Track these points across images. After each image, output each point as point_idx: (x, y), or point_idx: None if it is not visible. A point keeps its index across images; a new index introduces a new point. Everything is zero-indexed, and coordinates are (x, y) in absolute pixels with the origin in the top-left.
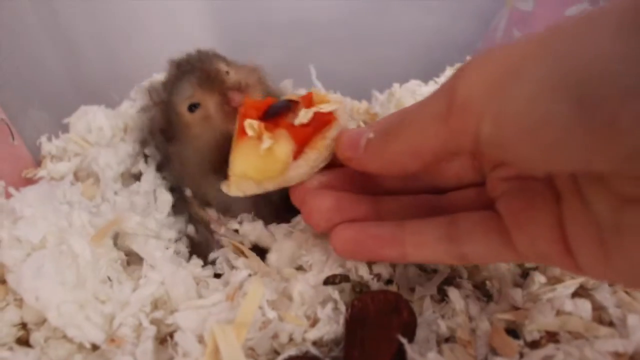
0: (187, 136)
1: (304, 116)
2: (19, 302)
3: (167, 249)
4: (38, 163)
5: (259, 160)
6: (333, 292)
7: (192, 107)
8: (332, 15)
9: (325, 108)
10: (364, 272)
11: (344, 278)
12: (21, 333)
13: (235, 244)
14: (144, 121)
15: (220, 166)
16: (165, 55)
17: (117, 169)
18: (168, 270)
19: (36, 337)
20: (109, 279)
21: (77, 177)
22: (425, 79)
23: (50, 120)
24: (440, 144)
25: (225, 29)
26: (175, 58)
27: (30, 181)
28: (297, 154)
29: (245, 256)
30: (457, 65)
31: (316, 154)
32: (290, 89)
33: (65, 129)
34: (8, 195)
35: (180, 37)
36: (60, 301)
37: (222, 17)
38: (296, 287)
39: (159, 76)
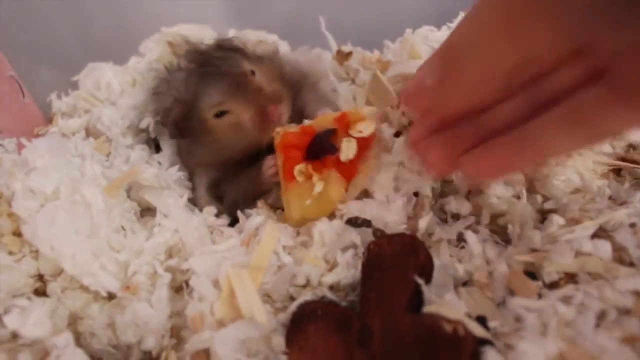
0: (208, 138)
1: (349, 151)
2: (35, 254)
3: (181, 197)
4: (49, 120)
5: (314, 204)
6: (356, 237)
7: (219, 114)
8: None
9: (365, 131)
10: (389, 218)
11: (366, 222)
12: (38, 284)
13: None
14: (156, 107)
15: (239, 169)
16: (172, 10)
17: (122, 124)
18: (182, 218)
19: (53, 287)
20: (123, 228)
21: (88, 133)
22: (438, 24)
23: (59, 77)
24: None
25: None
26: (192, 48)
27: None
28: (348, 185)
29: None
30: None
31: (364, 177)
32: (305, 57)
33: (75, 86)
34: (21, 152)
35: None
36: (75, 250)
37: None
38: (318, 227)
39: (169, 32)
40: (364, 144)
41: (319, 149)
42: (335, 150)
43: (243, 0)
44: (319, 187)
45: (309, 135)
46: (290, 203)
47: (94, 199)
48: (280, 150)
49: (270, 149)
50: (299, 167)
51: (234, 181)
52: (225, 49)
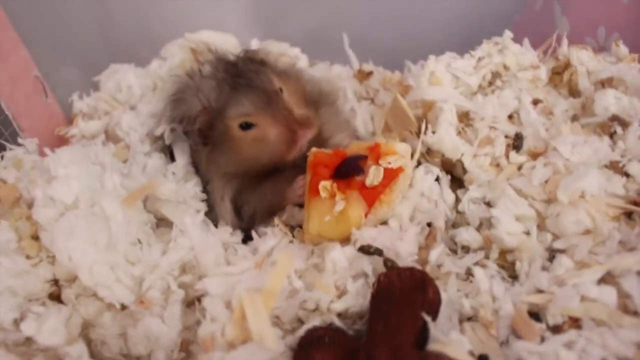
0: (231, 148)
1: (374, 176)
2: (52, 259)
3: (198, 212)
4: (70, 120)
5: (333, 222)
6: (367, 266)
7: (246, 126)
8: None
9: (394, 163)
10: (401, 249)
11: (378, 251)
12: (53, 289)
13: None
14: (177, 111)
15: (261, 182)
16: (195, 15)
17: (141, 131)
18: (198, 236)
19: (67, 293)
20: (139, 241)
21: (108, 135)
22: (461, 52)
23: (81, 78)
24: None
25: None
26: (220, 57)
27: (62, 138)
28: (368, 210)
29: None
30: (494, 38)
31: (385, 208)
32: (325, 74)
33: (96, 86)
34: (41, 153)
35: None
36: (92, 262)
37: None
38: (331, 254)
39: (192, 37)
40: (390, 175)
41: (347, 169)
42: (361, 172)
43: (266, 9)
44: (340, 205)
45: (340, 158)
46: (310, 217)
47: (113, 212)
48: (310, 167)
49: (293, 166)
50: (324, 183)
51: (255, 194)
52: (256, 63)
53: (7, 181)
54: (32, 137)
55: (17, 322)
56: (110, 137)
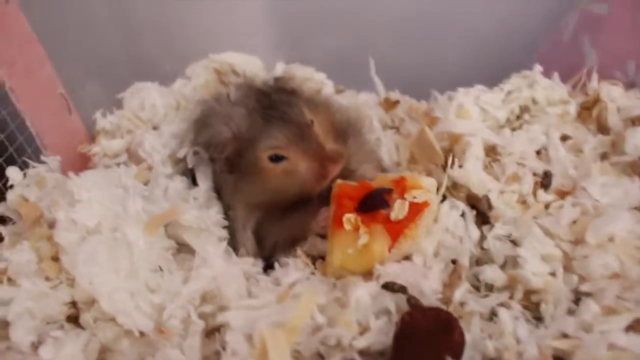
0: (259, 179)
1: (399, 211)
2: (71, 281)
3: (220, 241)
4: (92, 138)
5: (356, 255)
6: (390, 303)
7: (277, 158)
8: (396, 8)
9: (419, 198)
10: (425, 286)
11: (402, 288)
12: (71, 311)
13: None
14: (203, 135)
15: (285, 212)
16: (221, 36)
17: (163, 152)
18: (220, 265)
19: (86, 317)
20: (160, 268)
21: (130, 154)
22: (489, 82)
23: (105, 95)
24: None
25: (283, 12)
26: (250, 84)
27: (84, 156)
28: (392, 245)
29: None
30: (524, 72)
31: (409, 243)
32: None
33: (119, 104)
34: (64, 171)
35: (237, 18)
36: (113, 289)
37: (282, 3)
38: (355, 292)
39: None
40: (416, 210)
41: (372, 202)
42: (386, 205)
43: (291, 32)
44: (364, 238)
45: (365, 191)
46: (334, 249)
47: (135, 238)
48: (335, 199)
49: (318, 198)
50: (348, 216)
51: (278, 224)
52: (287, 92)
53: (29, 199)
54: (54, 155)
55: (34, 346)
56: (132, 156)
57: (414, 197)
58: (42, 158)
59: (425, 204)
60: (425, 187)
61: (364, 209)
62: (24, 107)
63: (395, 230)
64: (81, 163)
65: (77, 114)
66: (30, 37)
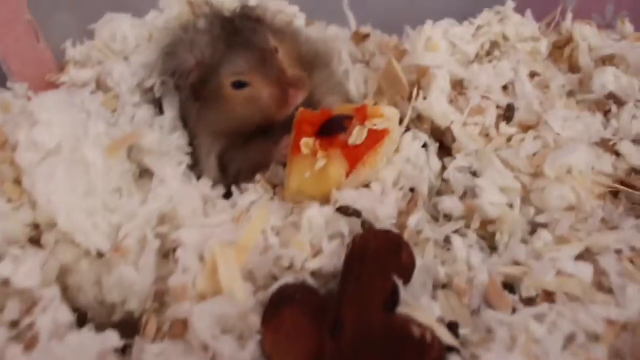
0: (222, 106)
1: (358, 136)
2: (33, 203)
3: (180, 164)
4: (61, 68)
5: (313, 179)
6: (344, 226)
7: (239, 84)
8: None
9: (379, 125)
10: (380, 212)
11: (356, 212)
12: (33, 233)
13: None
14: (170, 64)
15: (248, 140)
16: None
17: (131, 82)
18: (177, 186)
19: (47, 238)
20: (120, 189)
21: (99, 84)
22: (464, 17)
23: (76, 25)
24: None
25: None
26: (216, 13)
27: (53, 85)
28: (350, 170)
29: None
30: (496, 7)
31: (368, 170)
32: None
33: (91, 35)
34: (31, 98)
35: None
36: (70, 207)
37: None
38: (307, 213)
39: None
40: (375, 137)
41: (330, 126)
42: (344, 130)
43: None
44: (320, 162)
45: (326, 117)
46: (291, 174)
47: (94, 159)
48: (295, 125)
49: (282, 127)
50: (306, 140)
51: (241, 152)
52: (252, 20)
53: None
54: (22, 82)
55: None
56: (102, 86)
57: (374, 125)
58: (9, 85)
59: (385, 132)
60: (386, 116)
61: (322, 133)
62: None
63: (354, 156)
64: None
65: (46, 43)
66: None
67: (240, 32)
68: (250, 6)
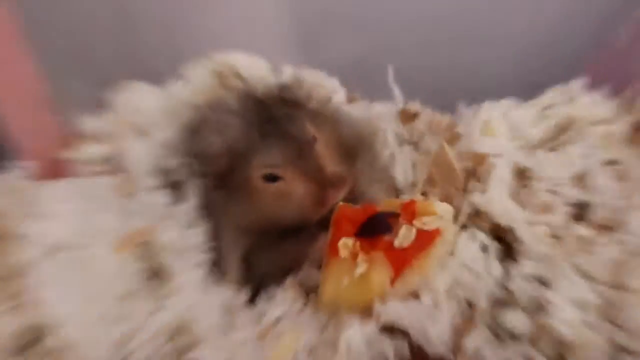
0: (250, 199)
1: (405, 237)
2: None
3: (199, 266)
4: (71, 142)
5: (352, 286)
6: (389, 349)
7: (271, 178)
8: (419, 9)
9: (430, 224)
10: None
11: (403, 333)
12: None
13: None
14: (195, 145)
15: (278, 239)
16: (226, 35)
17: (150, 162)
18: (196, 294)
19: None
20: (128, 294)
21: (113, 163)
22: (527, 96)
23: (92, 95)
24: None
25: (298, 14)
26: (249, 92)
27: (61, 162)
28: (395, 277)
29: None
30: (562, 86)
31: (417, 278)
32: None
33: (105, 106)
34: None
35: (248, 17)
36: (72, 313)
37: (294, 1)
38: (345, 333)
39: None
40: (425, 239)
41: (373, 225)
42: (389, 230)
43: (305, 34)
44: (361, 267)
45: (368, 214)
46: (327, 279)
47: (103, 258)
48: (333, 222)
49: (318, 223)
50: (344, 241)
51: (270, 252)
52: (289, 104)
53: None
54: (29, 159)
55: None
56: (114, 166)
57: (424, 224)
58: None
59: (436, 232)
60: (438, 214)
61: (364, 233)
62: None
63: (400, 260)
64: (61, 170)
65: (59, 114)
66: (11, 29)
67: (277, 120)
68: (289, 87)
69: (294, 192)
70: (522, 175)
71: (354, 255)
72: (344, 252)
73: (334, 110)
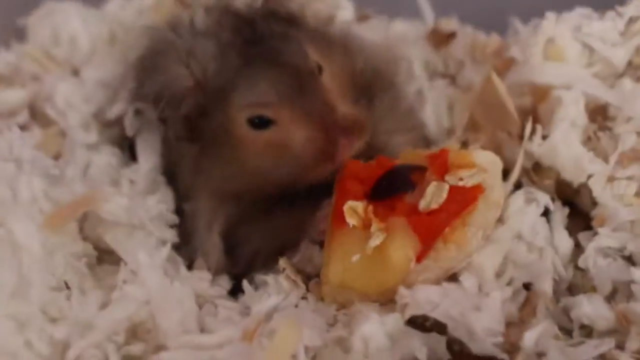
0: (232, 153)
1: (434, 197)
2: None
3: (162, 245)
4: None
5: (365, 264)
6: (420, 347)
7: (260, 122)
8: None
9: (468, 179)
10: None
11: (439, 326)
12: None
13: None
14: (151, 83)
15: (270, 207)
16: None
17: (85, 110)
18: (158, 282)
19: None
20: (67, 285)
21: (33, 113)
22: (599, 5)
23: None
24: None
25: None
26: (227, 4)
27: None
28: (424, 252)
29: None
30: None
31: (453, 252)
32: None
33: (22, 35)
34: None
35: None
36: None
37: None
38: (361, 329)
39: None
40: (463, 200)
41: (390, 182)
42: (412, 187)
43: None
44: (376, 239)
45: (383, 169)
46: (332, 258)
47: (28, 239)
48: (338, 183)
49: (321, 187)
50: (352, 204)
51: (259, 225)
52: (282, 21)
53: None
54: None
55: None
56: (38, 116)
57: (460, 180)
58: None
59: (477, 191)
60: (479, 166)
61: (378, 194)
62: None
63: (428, 228)
64: None
65: None
66: None
67: (265, 40)
68: None
69: (290, 142)
70: (600, 113)
71: (365, 224)
72: (352, 220)
73: (341, 32)
